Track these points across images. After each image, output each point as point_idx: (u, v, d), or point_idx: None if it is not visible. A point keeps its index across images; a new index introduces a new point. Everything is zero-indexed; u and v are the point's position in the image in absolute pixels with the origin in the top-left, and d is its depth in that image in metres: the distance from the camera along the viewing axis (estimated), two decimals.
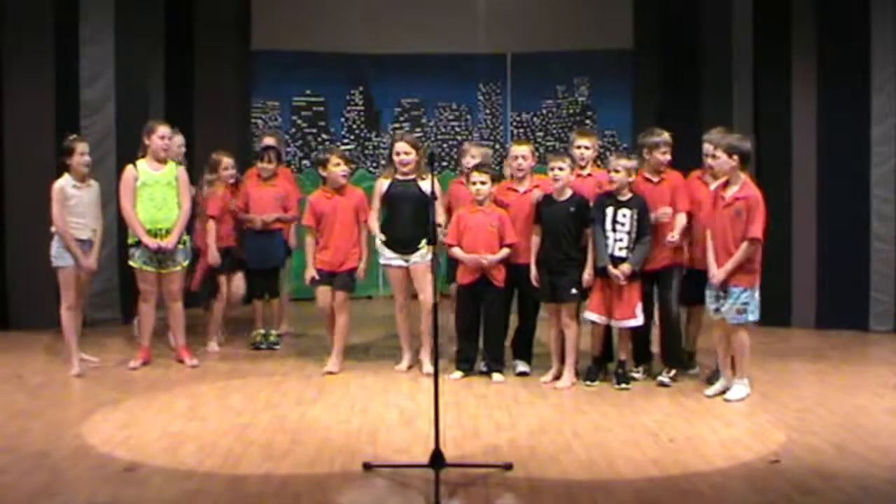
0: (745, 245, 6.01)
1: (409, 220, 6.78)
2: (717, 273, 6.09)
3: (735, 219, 6.05)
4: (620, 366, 6.52)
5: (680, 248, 6.55)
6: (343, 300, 6.95)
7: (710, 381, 6.45)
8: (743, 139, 6.27)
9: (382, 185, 6.98)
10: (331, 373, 6.88)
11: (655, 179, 6.56)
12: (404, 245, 6.83)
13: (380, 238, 6.92)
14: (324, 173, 6.96)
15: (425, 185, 6.75)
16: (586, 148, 6.91)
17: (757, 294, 6.10)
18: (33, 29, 8.44)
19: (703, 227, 6.39)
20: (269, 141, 8.22)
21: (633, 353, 6.64)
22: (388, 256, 6.91)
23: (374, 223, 6.96)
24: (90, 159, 6.81)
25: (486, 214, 6.63)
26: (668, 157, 6.55)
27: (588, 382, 6.50)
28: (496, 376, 6.66)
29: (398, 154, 6.87)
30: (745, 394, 6.13)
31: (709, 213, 6.29)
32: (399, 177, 6.89)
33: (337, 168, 6.88)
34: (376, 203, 6.98)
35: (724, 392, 6.17)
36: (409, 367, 6.98)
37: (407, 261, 6.84)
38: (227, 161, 7.52)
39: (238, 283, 7.59)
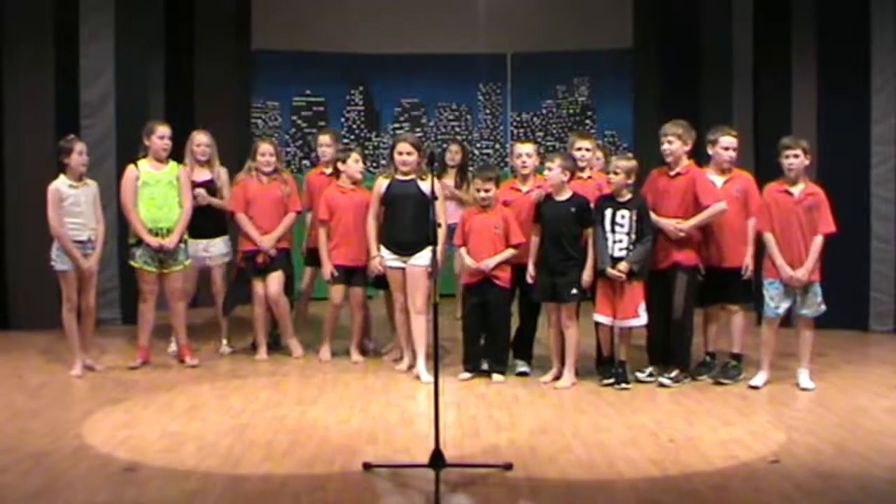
0: (820, 240, 6.27)
1: (409, 221, 6.76)
2: (801, 273, 6.28)
3: (807, 215, 6.26)
4: (620, 365, 6.52)
5: (688, 249, 6.49)
6: (362, 298, 7.28)
7: (694, 375, 6.64)
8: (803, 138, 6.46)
9: (381, 184, 6.96)
10: (357, 362, 7.25)
11: (672, 173, 6.55)
12: (403, 247, 6.80)
13: (373, 258, 6.93)
14: (342, 168, 7.19)
15: (425, 186, 6.76)
16: (587, 150, 6.91)
17: None
18: (33, 29, 8.45)
19: (721, 226, 6.49)
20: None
21: (648, 354, 6.67)
22: (386, 258, 6.90)
23: (373, 223, 6.95)
24: (88, 159, 6.80)
25: (491, 216, 6.63)
26: (674, 146, 6.47)
27: (605, 382, 6.48)
28: (496, 376, 6.65)
29: (400, 154, 6.86)
30: (813, 384, 6.40)
31: (777, 212, 6.36)
32: (399, 177, 6.89)
33: (357, 164, 7.17)
34: (375, 203, 6.97)
35: (768, 382, 6.43)
36: (410, 367, 6.98)
37: (405, 262, 6.82)
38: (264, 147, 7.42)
39: (273, 283, 7.34)
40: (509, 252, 6.59)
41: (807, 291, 6.35)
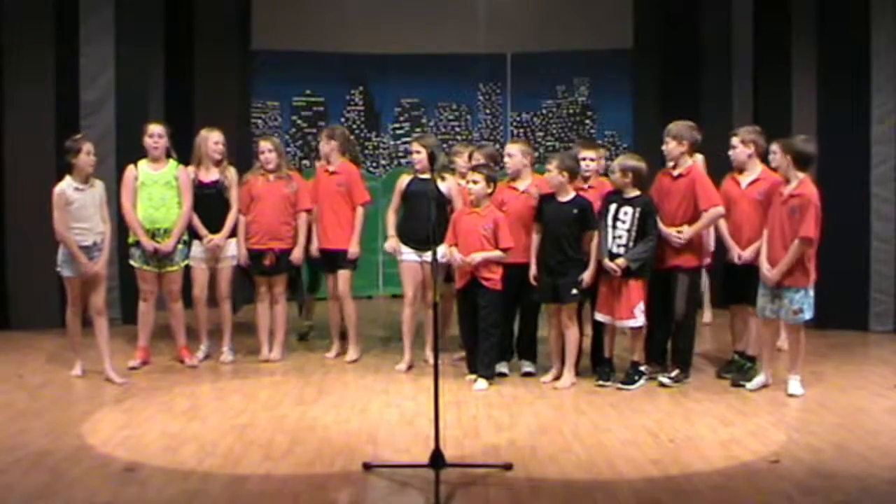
0: (796, 244, 6.09)
1: (425, 218, 6.79)
2: (772, 273, 6.16)
3: (790, 217, 6.14)
4: (632, 366, 6.54)
5: (689, 251, 6.49)
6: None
7: (720, 374, 6.76)
8: (807, 141, 6.37)
9: (403, 180, 7.18)
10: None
11: (675, 174, 6.56)
12: (420, 242, 6.91)
13: (391, 238, 7.15)
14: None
15: (443, 185, 6.96)
16: (591, 160, 6.91)
17: (811, 293, 6.21)
18: (33, 29, 8.45)
19: (736, 225, 6.54)
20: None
21: (645, 352, 6.63)
22: (403, 251, 7.06)
23: (391, 216, 7.21)
24: (95, 159, 6.74)
25: (481, 217, 6.57)
26: (669, 146, 6.52)
27: (601, 383, 6.49)
28: (479, 383, 6.51)
29: (411, 154, 7.17)
30: (803, 390, 6.28)
31: (771, 211, 6.32)
32: (419, 175, 7.04)
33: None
34: (396, 199, 7.18)
35: (765, 385, 6.36)
36: (409, 368, 7.00)
37: (420, 256, 6.95)
38: (263, 145, 7.40)
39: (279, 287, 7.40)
40: (497, 253, 6.53)
41: (783, 296, 6.19)
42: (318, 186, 7.42)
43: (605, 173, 7.12)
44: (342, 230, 7.31)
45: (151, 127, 7.02)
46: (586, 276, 6.44)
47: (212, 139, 7.20)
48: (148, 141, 6.95)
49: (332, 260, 7.40)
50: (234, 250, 7.28)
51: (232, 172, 7.30)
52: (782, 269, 6.13)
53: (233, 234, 7.26)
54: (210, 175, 7.20)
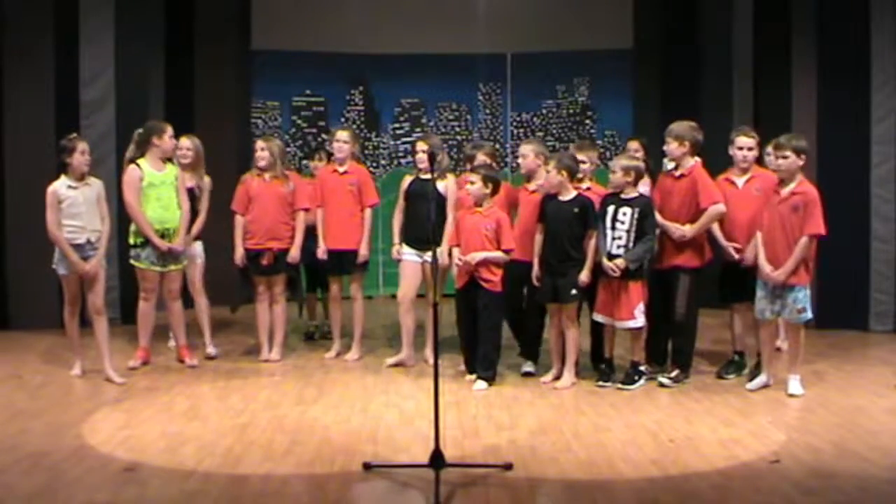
0: (804, 241, 6.09)
1: (425, 218, 6.78)
2: (777, 273, 6.13)
3: (792, 215, 6.13)
4: (632, 366, 6.54)
5: (690, 251, 6.50)
6: None
7: (720, 374, 6.72)
8: (798, 137, 6.35)
9: (406, 181, 7.22)
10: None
11: (677, 174, 6.57)
12: (420, 242, 6.92)
13: (395, 246, 7.21)
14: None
15: (440, 185, 6.95)
16: (582, 162, 6.92)
17: (809, 291, 6.20)
18: (33, 29, 8.45)
19: (735, 222, 6.54)
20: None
21: (645, 352, 6.62)
22: (404, 251, 7.08)
23: (398, 215, 7.21)
24: (90, 158, 6.75)
25: (484, 217, 6.56)
26: (670, 147, 6.54)
27: (602, 383, 6.50)
28: (478, 384, 6.51)
29: (415, 153, 7.16)
30: (803, 389, 6.27)
31: (767, 211, 6.30)
32: (421, 175, 7.04)
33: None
34: (401, 199, 7.20)
35: (765, 386, 6.35)
36: (399, 364, 7.06)
37: (421, 256, 6.96)
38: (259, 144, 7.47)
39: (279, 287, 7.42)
40: (498, 253, 6.52)
41: (786, 296, 6.18)
42: (324, 187, 7.41)
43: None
44: (352, 231, 7.31)
45: (171, 128, 7.06)
46: (582, 276, 6.43)
47: (178, 144, 7.30)
48: (170, 142, 7.00)
49: (339, 260, 7.39)
50: (199, 250, 7.41)
51: (207, 182, 7.44)
52: (789, 269, 6.12)
53: (199, 235, 7.40)
54: (186, 181, 7.25)
